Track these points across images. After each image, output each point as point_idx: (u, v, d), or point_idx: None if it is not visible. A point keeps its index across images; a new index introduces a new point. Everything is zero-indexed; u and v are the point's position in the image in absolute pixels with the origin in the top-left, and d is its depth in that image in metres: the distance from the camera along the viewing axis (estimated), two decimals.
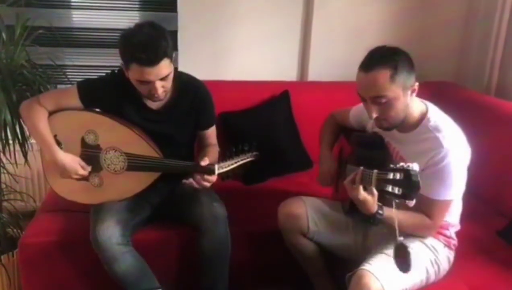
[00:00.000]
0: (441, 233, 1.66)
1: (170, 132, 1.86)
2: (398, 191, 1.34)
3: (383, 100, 1.50)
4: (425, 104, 1.62)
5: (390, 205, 1.48)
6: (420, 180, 1.32)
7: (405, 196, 1.34)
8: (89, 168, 1.82)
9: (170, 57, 1.67)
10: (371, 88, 1.50)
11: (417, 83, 1.54)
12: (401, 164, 1.36)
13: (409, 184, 1.32)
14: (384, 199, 1.46)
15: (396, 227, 1.43)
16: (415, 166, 1.34)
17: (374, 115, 1.54)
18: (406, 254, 1.42)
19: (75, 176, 1.81)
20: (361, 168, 1.48)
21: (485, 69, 2.72)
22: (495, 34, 2.65)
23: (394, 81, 1.48)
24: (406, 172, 1.33)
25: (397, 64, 1.48)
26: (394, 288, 1.49)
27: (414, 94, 1.56)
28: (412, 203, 1.35)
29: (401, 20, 2.79)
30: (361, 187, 1.46)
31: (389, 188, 1.36)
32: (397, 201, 1.39)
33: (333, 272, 1.85)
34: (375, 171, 1.42)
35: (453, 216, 1.68)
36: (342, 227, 1.80)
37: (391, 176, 1.36)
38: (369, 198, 1.46)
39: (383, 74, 1.48)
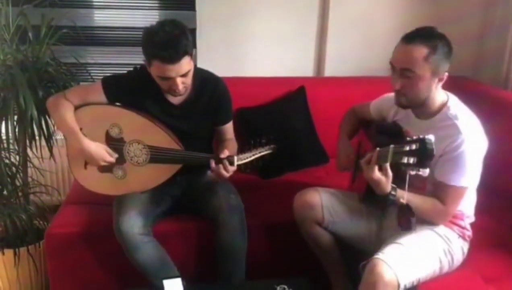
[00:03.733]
0: (455, 224, 1.68)
1: (190, 127, 1.91)
2: (413, 161, 1.38)
3: (410, 75, 1.54)
4: (447, 95, 1.65)
5: (403, 187, 1.52)
6: (434, 148, 1.36)
7: (419, 164, 1.37)
8: (116, 155, 1.88)
9: (191, 54, 1.72)
10: (404, 59, 1.54)
11: (446, 74, 1.57)
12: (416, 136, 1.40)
13: (424, 152, 1.36)
14: (400, 173, 1.49)
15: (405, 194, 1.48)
16: (430, 136, 1.37)
17: (397, 87, 1.58)
18: (410, 214, 1.47)
19: (102, 163, 1.86)
20: (377, 149, 1.52)
21: (502, 63, 2.71)
22: None
23: (428, 61, 1.52)
24: (421, 141, 1.37)
25: (437, 46, 1.52)
26: (407, 277, 1.51)
27: (441, 83, 1.59)
28: (426, 171, 1.38)
29: (417, 16, 2.78)
30: (376, 167, 1.50)
31: (405, 160, 1.39)
32: (412, 173, 1.41)
33: (348, 262, 1.88)
34: (392, 146, 1.46)
35: (467, 207, 1.70)
36: (357, 217, 1.83)
37: (407, 148, 1.40)
38: (383, 178, 1.50)
39: (420, 50, 1.52)
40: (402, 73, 1.56)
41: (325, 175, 2.41)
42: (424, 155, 1.36)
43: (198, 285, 1.86)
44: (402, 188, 1.53)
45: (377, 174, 1.50)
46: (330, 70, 2.82)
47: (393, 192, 1.54)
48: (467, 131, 1.54)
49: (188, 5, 2.67)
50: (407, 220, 1.52)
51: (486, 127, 1.62)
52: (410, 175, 1.46)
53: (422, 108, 1.64)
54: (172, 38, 1.66)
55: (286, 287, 1.66)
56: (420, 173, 1.38)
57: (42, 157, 2.25)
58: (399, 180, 1.53)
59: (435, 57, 1.52)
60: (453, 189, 1.58)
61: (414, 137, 1.40)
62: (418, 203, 1.59)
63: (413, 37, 1.54)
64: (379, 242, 1.69)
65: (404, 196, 1.52)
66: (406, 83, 1.57)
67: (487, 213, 1.87)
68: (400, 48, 1.57)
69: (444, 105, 1.62)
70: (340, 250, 1.88)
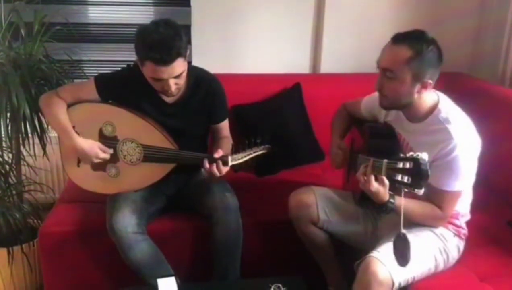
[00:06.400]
0: (451, 223, 1.67)
1: (184, 125, 1.90)
2: (407, 180, 1.35)
3: (390, 76, 1.52)
4: (437, 95, 1.63)
5: (399, 194, 1.50)
6: (429, 169, 1.33)
7: (414, 184, 1.35)
8: (110, 151, 1.85)
9: (184, 56, 1.69)
10: (387, 59, 1.53)
11: (430, 81, 1.53)
12: (411, 153, 1.38)
13: (418, 173, 1.33)
14: (394, 188, 1.48)
15: (402, 218, 1.45)
16: (424, 155, 1.35)
17: (377, 86, 1.58)
18: (406, 247, 1.44)
19: (96, 160, 1.84)
20: (371, 159, 1.49)
21: (499, 60, 2.70)
22: (509, 25, 2.63)
23: (409, 64, 1.49)
24: (415, 161, 1.34)
25: (422, 52, 1.48)
26: (402, 275, 1.51)
27: (425, 91, 1.55)
28: (420, 191, 1.36)
29: (413, 12, 2.77)
30: (372, 178, 1.47)
31: (399, 177, 1.37)
32: (406, 190, 1.40)
33: (343, 260, 1.87)
34: (385, 160, 1.43)
35: (463, 206, 1.69)
36: (353, 216, 1.82)
37: (400, 165, 1.37)
38: (381, 188, 1.48)
39: (403, 52, 1.49)
40: (384, 72, 1.54)
41: (321, 172, 2.40)
42: (419, 176, 1.33)
43: (192, 284, 1.85)
44: (398, 195, 1.51)
45: (374, 185, 1.47)
46: (326, 66, 2.80)
47: (391, 200, 1.51)
48: (459, 135, 1.52)
49: (183, 1, 2.64)
50: (403, 253, 1.47)
51: (482, 124, 1.61)
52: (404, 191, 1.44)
53: (410, 112, 1.62)
54: (165, 39, 1.63)
55: (280, 285, 1.65)
56: (415, 192, 1.36)
57: (35, 155, 2.23)
58: (393, 191, 1.51)
59: (417, 62, 1.49)
60: (448, 194, 1.57)
61: (408, 155, 1.37)
62: (418, 210, 1.57)
63: (400, 38, 1.52)
64: (375, 241, 1.68)
65: (402, 204, 1.48)
66: (387, 84, 1.55)
67: (483, 211, 1.87)
68: (386, 48, 1.56)
69: (434, 107, 1.59)
70: (335, 249, 1.88)
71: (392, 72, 1.52)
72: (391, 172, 1.41)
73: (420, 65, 1.49)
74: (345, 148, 1.87)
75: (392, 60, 1.51)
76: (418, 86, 1.53)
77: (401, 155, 1.41)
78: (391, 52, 1.53)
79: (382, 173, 1.44)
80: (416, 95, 1.55)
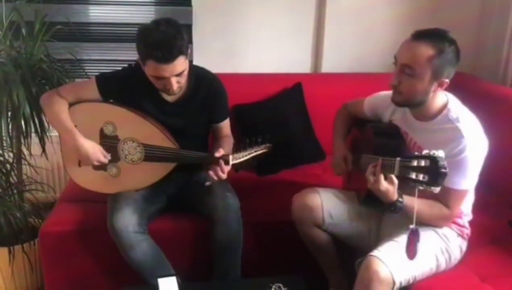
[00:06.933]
0: (454, 222, 1.67)
1: (186, 125, 1.90)
2: (423, 177, 1.32)
3: (409, 72, 1.51)
4: (446, 95, 1.62)
5: (409, 193, 1.49)
6: (447, 167, 1.30)
7: (430, 182, 1.31)
8: (109, 156, 1.87)
9: (186, 54, 1.69)
10: (408, 55, 1.51)
11: (447, 80, 1.53)
12: (426, 151, 1.35)
13: (436, 170, 1.30)
14: (405, 187, 1.46)
15: (414, 214, 1.43)
16: (440, 153, 1.32)
17: (395, 82, 1.56)
18: (417, 241, 1.44)
19: (96, 163, 1.85)
20: (381, 158, 1.48)
21: (501, 60, 2.69)
22: (510, 25, 2.62)
23: (431, 62, 1.48)
24: (433, 159, 1.31)
25: (444, 50, 1.48)
26: (403, 274, 1.50)
27: (440, 88, 1.55)
28: (437, 189, 1.33)
29: (414, 13, 2.76)
30: (382, 178, 1.46)
31: (413, 175, 1.34)
32: (421, 188, 1.36)
33: (345, 260, 1.86)
34: (398, 158, 1.41)
35: (466, 205, 1.68)
36: (357, 217, 1.81)
37: (415, 163, 1.34)
38: (390, 187, 1.47)
39: (426, 50, 1.48)
40: (402, 69, 1.53)
41: (322, 172, 2.40)
42: (436, 174, 1.30)
43: (193, 284, 1.85)
44: (406, 193, 1.51)
45: (384, 184, 1.46)
46: (328, 66, 2.80)
47: (400, 199, 1.50)
48: (469, 134, 1.52)
49: (185, 1, 2.65)
50: (414, 246, 1.47)
51: (485, 124, 1.60)
52: (418, 189, 1.40)
53: (420, 110, 1.61)
54: (166, 38, 1.63)
55: (281, 285, 1.64)
56: (431, 190, 1.33)
57: (35, 154, 2.23)
58: (403, 187, 1.49)
59: (439, 60, 1.48)
60: (456, 193, 1.56)
61: (423, 153, 1.35)
62: (426, 210, 1.56)
63: (422, 35, 1.51)
64: (378, 240, 1.68)
65: (411, 202, 1.47)
66: (404, 80, 1.54)
67: (485, 211, 1.86)
68: (406, 44, 1.54)
69: (444, 107, 1.59)
70: (337, 249, 1.87)
71: (412, 68, 1.50)
72: (405, 170, 1.38)
73: (441, 64, 1.49)
74: (348, 153, 1.86)
75: (414, 57, 1.50)
76: (435, 85, 1.53)
77: (416, 153, 1.38)
78: (412, 49, 1.51)
79: (395, 171, 1.42)
80: (431, 94, 1.55)
